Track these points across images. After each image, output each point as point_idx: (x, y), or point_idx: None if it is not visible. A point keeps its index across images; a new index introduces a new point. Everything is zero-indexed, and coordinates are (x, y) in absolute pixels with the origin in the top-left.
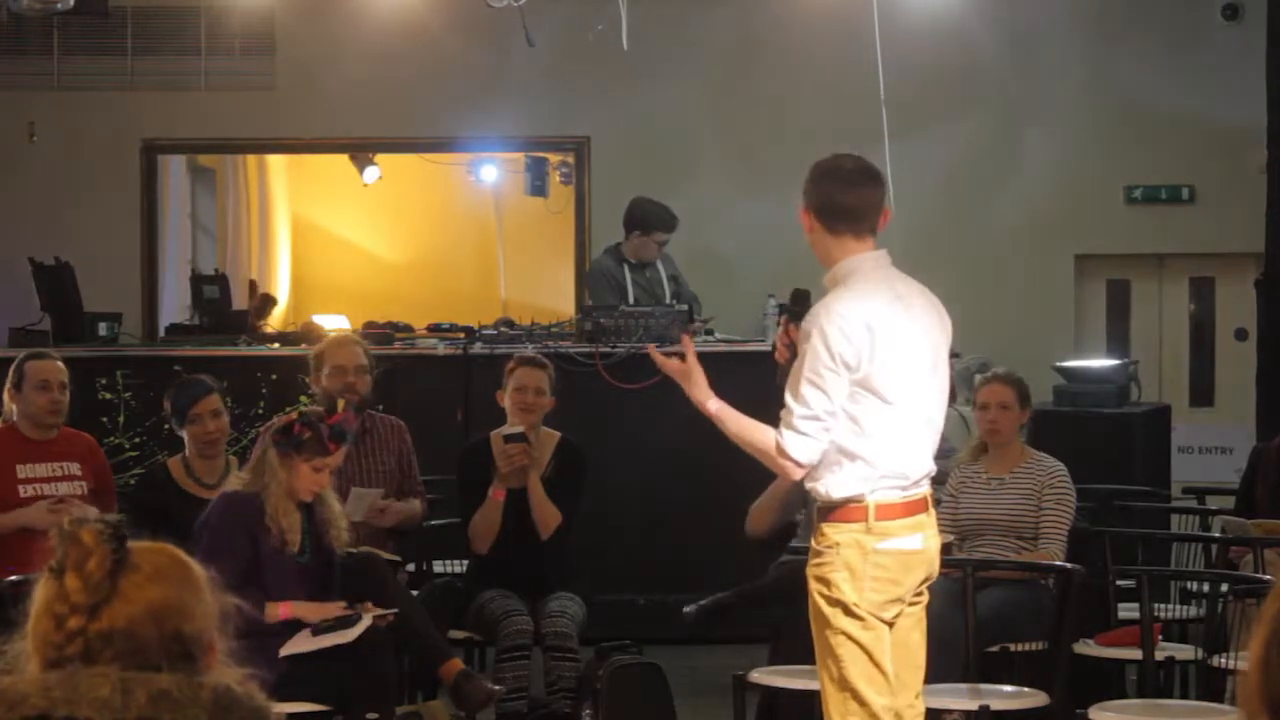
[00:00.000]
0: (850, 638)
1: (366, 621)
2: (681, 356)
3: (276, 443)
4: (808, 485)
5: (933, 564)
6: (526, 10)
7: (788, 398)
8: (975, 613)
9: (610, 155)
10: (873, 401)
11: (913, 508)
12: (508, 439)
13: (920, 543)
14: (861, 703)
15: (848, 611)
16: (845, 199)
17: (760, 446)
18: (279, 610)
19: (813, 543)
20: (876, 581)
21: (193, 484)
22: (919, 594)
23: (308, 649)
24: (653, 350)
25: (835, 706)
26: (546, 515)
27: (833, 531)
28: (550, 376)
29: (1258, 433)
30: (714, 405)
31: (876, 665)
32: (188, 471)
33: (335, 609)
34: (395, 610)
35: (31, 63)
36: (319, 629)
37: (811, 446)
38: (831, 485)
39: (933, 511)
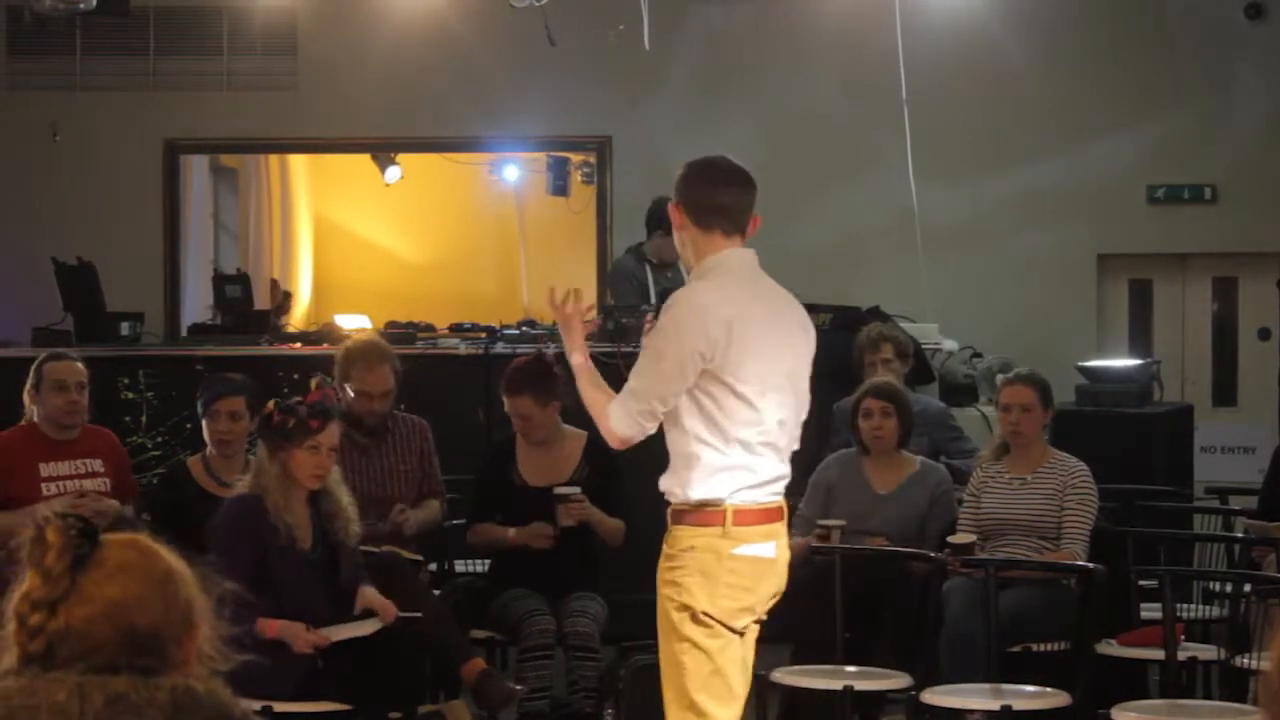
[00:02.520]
0: (696, 645)
1: (376, 623)
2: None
3: (263, 437)
4: (661, 486)
5: (783, 576)
6: (548, 10)
7: (632, 373)
8: (997, 612)
9: (632, 155)
10: (730, 399)
11: (769, 515)
12: (558, 498)
13: (773, 551)
14: (700, 714)
15: (695, 618)
16: (721, 196)
17: (594, 410)
18: (268, 629)
19: (664, 547)
20: (730, 589)
21: (212, 483)
22: (769, 609)
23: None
24: (551, 295)
25: (673, 716)
26: (613, 533)
27: (687, 535)
28: (534, 396)
29: None
30: (578, 359)
31: (720, 675)
32: (208, 470)
33: (313, 637)
34: (419, 615)
35: (54, 63)
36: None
37: (631, 425)
38: (690, 486)
39: (785, 522)
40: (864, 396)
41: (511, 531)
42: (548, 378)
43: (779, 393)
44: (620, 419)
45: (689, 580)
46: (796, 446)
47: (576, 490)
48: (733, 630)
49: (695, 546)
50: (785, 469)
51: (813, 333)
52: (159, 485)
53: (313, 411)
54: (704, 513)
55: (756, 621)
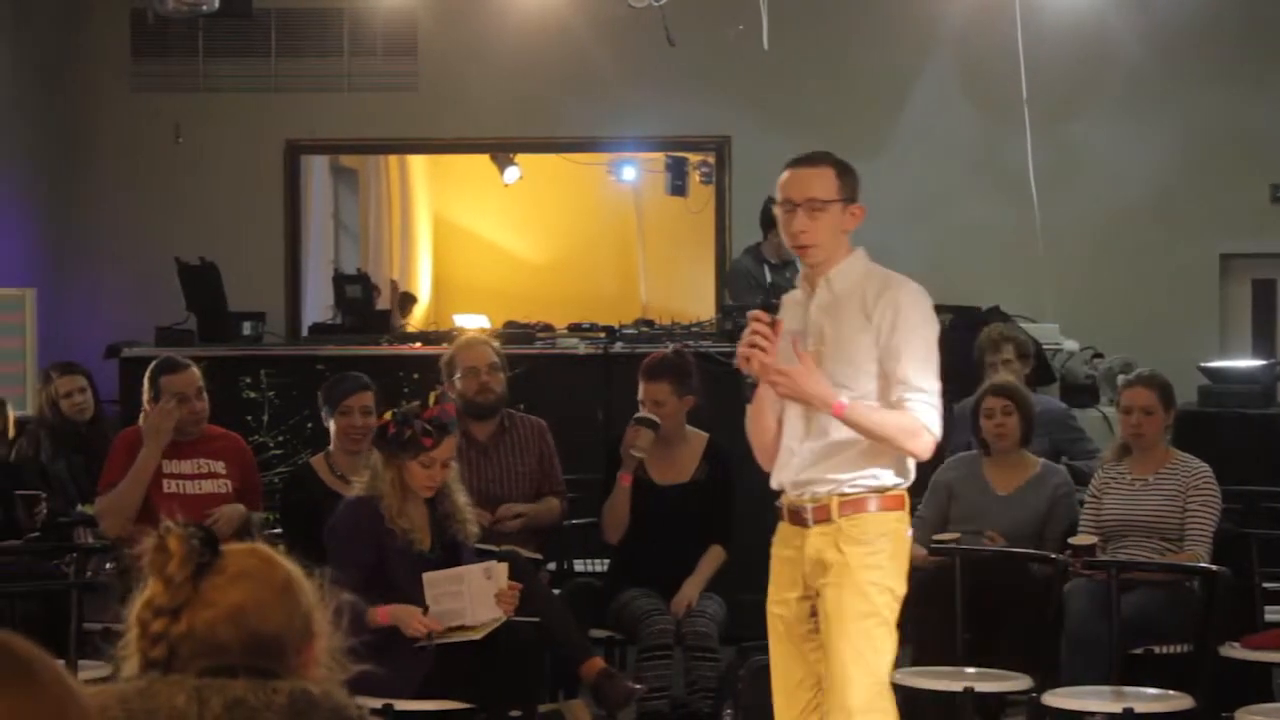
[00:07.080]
0: (891, 630)
1: (493, 622)
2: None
3: (378, 445)
4: (837, 474)
5: None
6: (668, 10)
7: (910, 374)
8: (1119, 614)
9: (750, 155)
10: None
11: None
12: (636, 420)
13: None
14: (888, 696)
15: (894, 602)
16: None
17: (903, 428)
18: (380, 615)
19: (845, 531)
20: (905, 571)
21: (338, 481)
22: None
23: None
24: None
25: (866, 702)
26: (714, 569)
27: (880, 521)
28: (673, 385)
29: None
30: (845, 399)
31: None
32: (332, 469)
33: (427, 622)
34: (536, 619)
35: (177, 65)
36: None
37: (940, 421)
38: (892, 470)
39: None
40: (985, 395)
41: (620, 473)
42: (688, 370)
43: None
44: (938, 421)
45: (891, 565)
46: None
47: (653, 417)
48: None
49: (888, 532)
50: None
51: None
52: (285, 487)
53: (427, 429)
54: (894, 497)
55: None
